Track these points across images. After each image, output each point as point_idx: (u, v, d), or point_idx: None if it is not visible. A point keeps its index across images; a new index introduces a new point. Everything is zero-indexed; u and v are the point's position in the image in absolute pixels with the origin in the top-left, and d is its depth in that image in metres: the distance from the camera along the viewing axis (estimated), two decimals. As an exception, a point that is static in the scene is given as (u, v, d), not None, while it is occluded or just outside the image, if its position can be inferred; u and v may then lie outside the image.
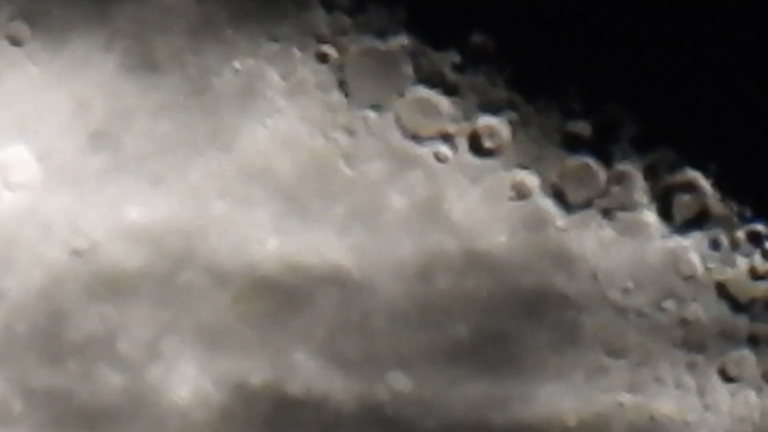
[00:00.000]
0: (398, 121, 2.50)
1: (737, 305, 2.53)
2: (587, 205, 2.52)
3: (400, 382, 2.48)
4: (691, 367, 2.51)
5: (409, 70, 2.50)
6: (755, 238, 2.53)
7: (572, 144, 2.51)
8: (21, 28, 2.50)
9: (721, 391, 2.51)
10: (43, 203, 2.48)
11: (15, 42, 2.50)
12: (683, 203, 2.52)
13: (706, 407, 2.51)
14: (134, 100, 2.49)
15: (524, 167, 2.51)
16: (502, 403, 2.49)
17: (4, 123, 2.49)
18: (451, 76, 2.50)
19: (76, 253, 2.47)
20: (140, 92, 2.49)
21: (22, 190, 2.48)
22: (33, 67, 2.50)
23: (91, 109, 2.49)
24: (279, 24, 2.50)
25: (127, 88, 2.49)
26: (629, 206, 2.52)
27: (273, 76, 2.49)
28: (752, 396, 2.52)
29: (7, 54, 2.50)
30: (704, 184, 2.53)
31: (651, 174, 2.52)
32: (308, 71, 2.49)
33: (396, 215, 2.49)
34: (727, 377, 2.52)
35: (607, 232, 2.51)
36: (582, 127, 2.51)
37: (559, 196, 2.51)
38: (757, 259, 2.53)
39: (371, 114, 2.50)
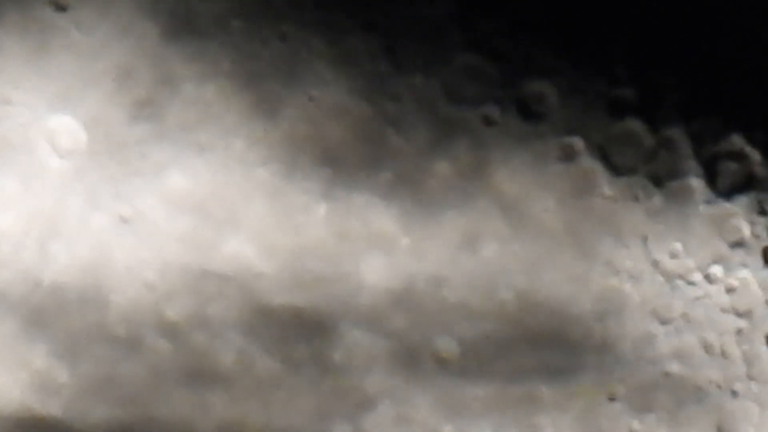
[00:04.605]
0: (445, 87, 2.48)
1: (785, 272, 2.52)
2: (634, 170, 2.50)
3: (446, 349, 2.48)
4: (739, 334, 2.50)
5: (456, 36, 2.48)
6: (804, 205, 2.52)
7: (618, 110, 2.49)
8: (65, -7, 2.49)
9: (768, 360, 2.51)
10: (89, 171, 2.48)
11: (59, 7, 2.49)
12: (729, 169, 2.51)
13: (753, 376, 2.50)
14: (179, 68, 2.48)
15: (571, 132, 2.49)
16: (548, 372, 2.49)
17: (51, 90, 2.49)
18: (498, 42, 2.48)
19: (122, 220, 2.48)
20: (185, 59, 2.48)
21: (69, 157, 2.48)
22: (77, 34, 2.49)
23: (136, 77, 2.48)
24: (324, -11, 2.49)
25: (172, 55, 2.48)
26: (676, 172, 2.50)
27: (319, 43, 2.48)
28: (800, 364, 2.52)
29: (53, 20, 2.49)
30: (750, 149, 2.51)
31: (697, 139, 2.50)
32: (355, 38, 2.48)
33: (442, 181, 2.48)
34: (774, 345, 2.52)
35: (654, 197, 2.50)
36: (628, 94, 2.49)
37: (605, 161, 2.50)
38: (806, 226, 2.52)
39: (418, 80, 2.48)
